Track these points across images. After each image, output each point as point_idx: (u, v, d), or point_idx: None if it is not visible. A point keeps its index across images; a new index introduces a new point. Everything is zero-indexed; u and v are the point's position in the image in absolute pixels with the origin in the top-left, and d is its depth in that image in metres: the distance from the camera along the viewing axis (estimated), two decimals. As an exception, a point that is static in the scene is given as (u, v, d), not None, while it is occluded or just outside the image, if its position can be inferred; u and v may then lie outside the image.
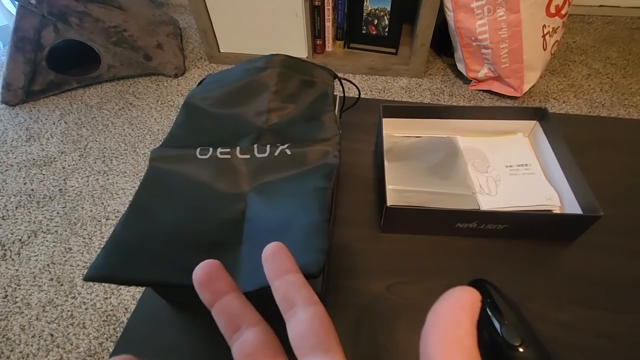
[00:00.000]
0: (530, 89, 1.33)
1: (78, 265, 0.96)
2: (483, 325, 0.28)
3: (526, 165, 0.45)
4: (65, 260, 0.97)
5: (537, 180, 0.43)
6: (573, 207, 0.38)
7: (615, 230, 0.39)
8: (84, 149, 1.29)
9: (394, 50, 1.50)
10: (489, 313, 0.28)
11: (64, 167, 1.22)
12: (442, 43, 1.46)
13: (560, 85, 1.38)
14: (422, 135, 0.48)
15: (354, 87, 1.44)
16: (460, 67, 1.39)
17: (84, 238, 1.01)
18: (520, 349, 0.26)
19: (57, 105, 1.49)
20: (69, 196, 1.13)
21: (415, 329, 0.33)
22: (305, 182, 0.27)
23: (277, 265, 0.15)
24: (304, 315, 0.14)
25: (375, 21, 1.44)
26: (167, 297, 0.35)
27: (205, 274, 0.15)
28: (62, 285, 0.92)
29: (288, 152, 0.30)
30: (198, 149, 0.31)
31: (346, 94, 0.47)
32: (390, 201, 0.40)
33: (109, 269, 0.24)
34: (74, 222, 1.05)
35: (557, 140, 0.42)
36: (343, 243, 0.40)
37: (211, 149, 0.31)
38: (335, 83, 0.41)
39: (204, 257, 0.25)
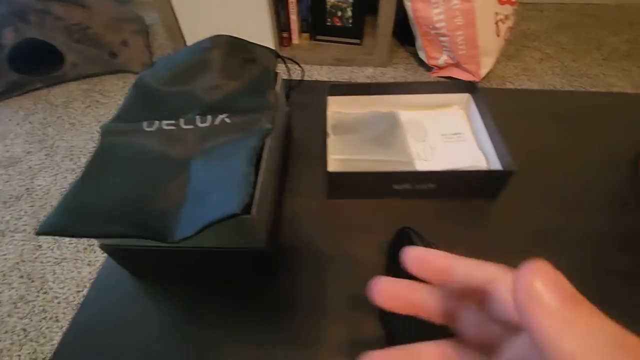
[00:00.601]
0: (487, 73, 1.39)
1: (49, 262, 0.96)
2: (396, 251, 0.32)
3: (459, 133, 0.49)
4: (35, 258, 0.97)
5: (468, 146, 0.48)
6: (496, 167, 0.43)
7: (532, 187, 0.44)
8: (51, 148, 1.27)
9: (358, 41, 1.54)
10: (405, 238, 0.32)
11: (30, 167, 1.21)
12: (405, 32, 1.51)
13: (516, 70, 1.46)
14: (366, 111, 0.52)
15: (311, 71, 1.48)
16: (422, 55, 1.45)
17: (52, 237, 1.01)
18: None
19: (21, 105, 1.46)
20: (36, 195, 1.12)
21: (358, 280, 0.37)
22: (239, 144, 0.31)
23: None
24: None
25: (339, 13, 1.48)
26: (126, 266, 0.38)
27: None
28: (32, 282, 0.92)
29: (227, 120, 0.33)
30: (145, 122, 0.34)
31: (306, 78, 0.50)
32: (334, 169, 0.43)
33: (61, 224, 0.26)
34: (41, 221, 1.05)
35: (485, 110, 0.46)
36: (295, 210, 0.43)
37: (157, 122, 0.34)
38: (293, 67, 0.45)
39: (152, 215, 0.28)
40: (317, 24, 1.55)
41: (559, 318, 0.12)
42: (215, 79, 0.38)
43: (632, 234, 0.39)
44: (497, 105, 0.45)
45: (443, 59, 1.37)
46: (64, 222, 0.27)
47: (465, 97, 0.51)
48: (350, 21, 1.49)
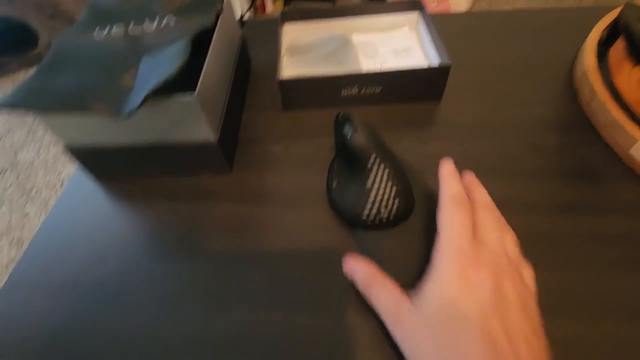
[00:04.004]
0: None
1: (37, 227, 0.98)
2: (338, 135, 0.35)
3: (408, 49, 0.52)
4: (23, 225, 1.00)
5: (416, 59, 0.50)
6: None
7: (471, 88, 0.47)
8: (32, 125, 1.29)
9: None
10: (343, 124, 0.35)
11: (12, 144, 1.23)
12: None
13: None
14: (321, 35, 0.55)
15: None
16: None
17: (40, 203, 1.04)
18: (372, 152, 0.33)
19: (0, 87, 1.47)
20: (21, 167, 1.14)
21: (304, 174, 0.40)
22: (183, 37, 0.33)
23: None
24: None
25: (311, -25, 1.48)
26: (92, 167, 0.40)
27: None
28: (22, 246, 0.95)
29: (172, 24, 0.36)
30: (95, 31, 0.36)
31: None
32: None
33: (17, 101, 0.29)
34: (28, 190, 1.07)
35: (430, 25, 0.49)
36: (252, 122, 0.46)
37: (108, 27, 0.36)
38: None
39: (103, 96, 0.31)
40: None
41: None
42: (164, -6, 0.40)
43: (560, 118, 0.42)
44: (444, 27, 0.48)
45: None
46: (20, 99, 0.29)
47: (415, 18, 0.54)
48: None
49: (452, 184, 0.29)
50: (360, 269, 0.28)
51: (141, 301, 0.32)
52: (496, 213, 0.29)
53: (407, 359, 0.24)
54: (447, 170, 0.30)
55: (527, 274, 0.27)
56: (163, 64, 0.30)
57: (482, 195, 0.29)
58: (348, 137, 0.33)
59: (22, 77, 1.50)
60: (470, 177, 0.31)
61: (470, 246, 0.25)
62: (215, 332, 0.30)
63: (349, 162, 0.35)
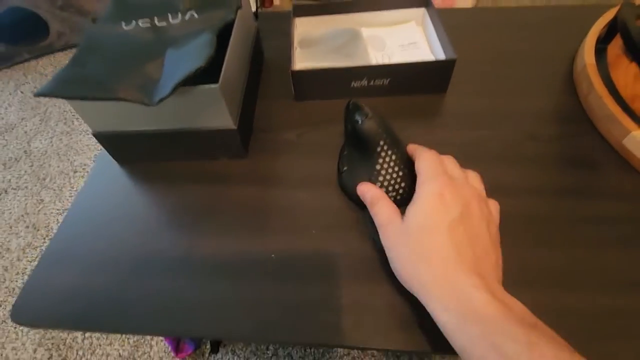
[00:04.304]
0: None
1: (52, 213, 1.02)
2: (349, 121, 0.37)
3: (415, 43, 0.54)
4: (39, 210, 1.03)
5: (422, 52, 0.53)
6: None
7: (476, 80, 0.49)
8: (44, 114, 1.32)
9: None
10: (355, 111, 0.37)
11: (26, 132, 1.26)
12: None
13: None
14: (331, 29, 0.57)
15: None
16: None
17: (54, 190, 1.07)
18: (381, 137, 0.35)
19: (11, 77, 1.49)
20: (34, 156, 1.17)
21: (316, 159, 0.42)
22: (206, 29, 0.36)
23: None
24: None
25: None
26: (116, 153, 0.43)
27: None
28: (38, 230, 0.99)
29: (195, 15, 0.38)
30: (123, 22, 0.39)
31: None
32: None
33: (56, 89, 0.32)
34: (42, 178, 1.10)
35: (437, 20, 0.51)
36: (266, 111, 0.48)
37: (134, 21, 0.39)
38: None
39: (134, 85, 0.33)
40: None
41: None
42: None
43: (559, 111, 0.45)
44: (450, 22, 0.50)
45: None
46: (58, 88, 0.32)
47: (422, 13, 0.56)
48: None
49: (422, 148, 0.35)
50: (369, 190, 0.34)
51: (165, 270, 0.35)
52: (454, 159, 0.35)
53: (391, 265, 0.30)
54: (413, 146, 0.36)
55: (493, 206, 0.32)
56: (191, 55, 0.32)
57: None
58: (359, 123, 0.36)
59: (33, 67, 1.52)
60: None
61: (445, 176, 0.30)
62: (234, 297, 0.33)
63: (358, 148, 0.37)
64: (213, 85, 0.34)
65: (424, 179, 0.31)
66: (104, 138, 0.40)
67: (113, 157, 0.43)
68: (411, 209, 0.30)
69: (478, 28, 0.57)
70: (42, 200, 1.05)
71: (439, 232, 0.27)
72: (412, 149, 0.36)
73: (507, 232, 0.31)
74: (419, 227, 0.28)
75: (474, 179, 0.33)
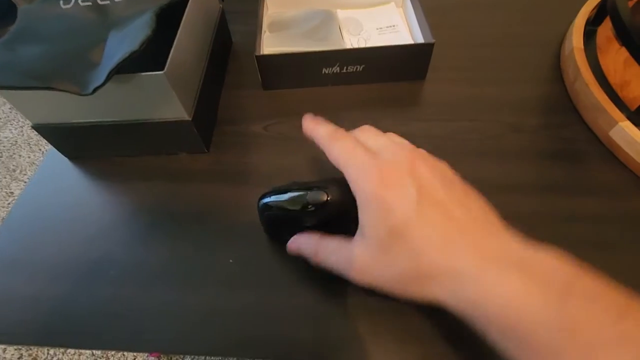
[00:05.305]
0: None
1: (22, 207, 0.98)
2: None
3: (393, 26, 0.50)
4: (9, 204, 0.98)
5: (401, 37, 0.49)
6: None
7: (456, 67, 0.46)
8: (15, 102, 1.26)
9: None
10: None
11: (-5, 121, 1.20)
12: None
13: None
14: (304, 10, 0.53)
15: None
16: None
17: (25, 182, 1.02)
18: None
19: (-20, 62, 1.42)
20: (4, 146, 1.12)
21: (284, 152, 0.39)
22: (149, 7, 0.32)
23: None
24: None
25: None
26: (61, 146, 0.39)
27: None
28: (7, 225, 0.94)
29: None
30: (61, 0, 0.35)
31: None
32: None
33: None
34: (12, 169, 1.05)
35: (417, 3, 0.47)
36: (232, 101, 0.45)
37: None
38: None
39: (70, 73, 0.30)
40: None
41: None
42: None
43: (544, 99, 0.42)
44: (432, 3, 0.47)
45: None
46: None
47: (401, -8, 0.52)
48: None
49: (319, 129, 0.29)
50: (301, 244, 0.29)
51: (116, 277, 0.32)
52: (372, 127, 0.30)
53: (391, 295, 0.25)
54: (307, 124, 0.30)
55: (425, 152, 0.27)
56: (129, 38, 0.28)
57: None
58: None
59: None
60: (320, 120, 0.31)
61: (370, 159, 0.25)
62: (191, 309, 0.30)
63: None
64: (159, 72, 0.30)
65: (351, 176, 0.25)
66: (45, 131, 0.36)
67: (61, 151, 0.40)
68: (363, 218, 0.25)
69: (462, 10, 0.53)
70: (12, 193, 1.00)
71: (409, 227, 0.22)
72: (307, 131, 0.30)
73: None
74: (387, 237, 0.23)
75: (395, 137, 0.29)
